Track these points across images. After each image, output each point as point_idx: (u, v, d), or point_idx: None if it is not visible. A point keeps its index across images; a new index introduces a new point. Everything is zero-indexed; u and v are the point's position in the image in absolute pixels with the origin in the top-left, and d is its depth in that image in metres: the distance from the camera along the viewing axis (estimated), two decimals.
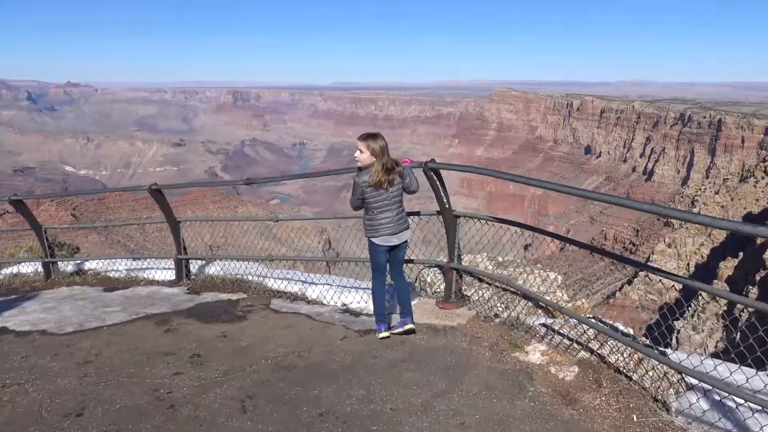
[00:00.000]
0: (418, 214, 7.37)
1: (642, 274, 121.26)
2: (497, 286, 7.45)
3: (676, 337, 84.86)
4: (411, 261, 7.64)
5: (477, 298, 7.33)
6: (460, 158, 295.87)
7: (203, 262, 10.11)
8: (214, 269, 9.90)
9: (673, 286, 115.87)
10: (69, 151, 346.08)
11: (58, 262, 10.81)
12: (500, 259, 9.57)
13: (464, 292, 7.43)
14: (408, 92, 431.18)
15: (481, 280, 7.54)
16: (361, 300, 7.88)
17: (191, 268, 9.86)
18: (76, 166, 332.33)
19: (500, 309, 7.09)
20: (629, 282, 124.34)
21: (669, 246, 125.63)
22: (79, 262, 11.28)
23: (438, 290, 7.79)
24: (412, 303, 7.36)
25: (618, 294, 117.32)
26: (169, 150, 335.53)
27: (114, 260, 10.95)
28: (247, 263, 9.62)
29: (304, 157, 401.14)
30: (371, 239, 6.33)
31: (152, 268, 10.32)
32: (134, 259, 10.76)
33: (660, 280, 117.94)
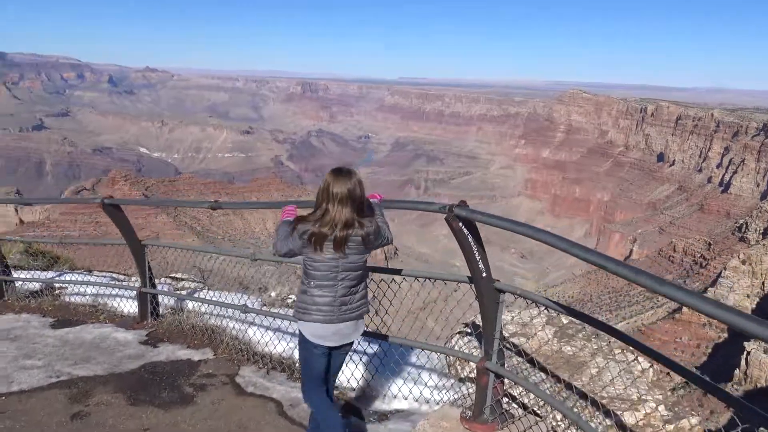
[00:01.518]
0: (440, 279, 4.92)
1: (712, 289, 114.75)
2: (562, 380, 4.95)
3: (746, 359, 79.75)
4: (414, 347, 5.15)
5: (528, 401, 4.86)
6: (526, 159, 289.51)
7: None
8: (190, 304, 7.73)
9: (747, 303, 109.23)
10: (145, 134, 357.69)
11: (15, 280, 8.83)
12: (564, 321, 7.05)
13: (509, 390, 4.95)
14: (476, 89, 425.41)
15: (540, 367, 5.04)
16: (363, 376, 5.57)
17: (164, 300, 7.73)
18: (151, 149, 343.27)
19: (564, 426, 4.63)
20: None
21: (743, 263, 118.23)
22: (45, 278, 9.33)
23: (472, 374, 5.40)
24: (427, 404, 4.98)
25: (684, 309, 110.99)
26: (238, 137, 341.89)
27: (83, 283, 8.84)
28: (234, 295, 7.45)
29: (368, 150, 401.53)
30: (300, 324, 4.13)
31: (123, 297, 8.25)
32: (103, 286, 8.58)
33: (730, 295, 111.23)
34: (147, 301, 7.37)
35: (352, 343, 4.29)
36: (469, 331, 6.03)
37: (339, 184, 3.92)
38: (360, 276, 4.11)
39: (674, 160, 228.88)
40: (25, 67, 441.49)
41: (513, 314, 6.61)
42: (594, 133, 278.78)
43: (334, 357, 4.26)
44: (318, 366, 4.18)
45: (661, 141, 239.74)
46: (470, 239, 4.09)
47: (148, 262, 7.27)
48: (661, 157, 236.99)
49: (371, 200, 4.27)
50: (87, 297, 8.48)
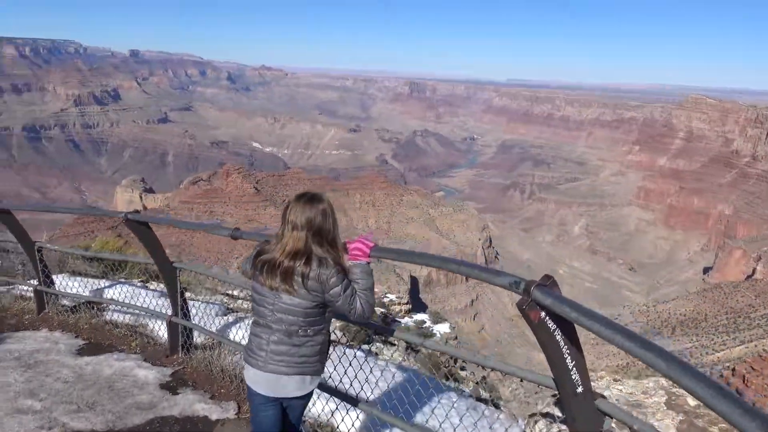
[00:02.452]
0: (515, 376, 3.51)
1: None
2: None
3: None
4: None
5: None
6: (639, 166, 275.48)
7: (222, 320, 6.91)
8: (230, 335, 6.64)
9: None
10: (258, 129, 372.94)
11: (55, 291, 8.13)
12: (692, 403, 5.33)
13: None
14: (588, 93, 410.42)
15: None
16: None
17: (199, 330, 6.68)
18: (263, 144, 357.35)
19: None
20: None
21: None
22: (96, 289, 8.61)
23: None
24: None
25: None
26: (345, 135, 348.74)
27: (117, 303, 7.97)
28: None
29: (473, 151, 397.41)
30: None
31: (163, 318, 7.31)
32: (134, 308, 7.67)
33: None
34: (178, 332, 6.36)
35: (304, 399, 3.56)
36: (557, 414, 4.53)
37: (297, 211, 3.39)
38: (304, 325, 3.39)
39: None
40: (154, 64, 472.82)
41: (620, 388, 5.03)
42: (717, 141, 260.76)
43: (288, 411, 3.61)
44: (260, 417, 3.55)
45: None
46: (559, 338, 2.70)
47: (181, 288, 6.25)
48: None
49: (350, 256, 3.52)
50: (128, 316, 7.66)
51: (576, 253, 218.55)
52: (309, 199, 3.40)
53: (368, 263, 3.49)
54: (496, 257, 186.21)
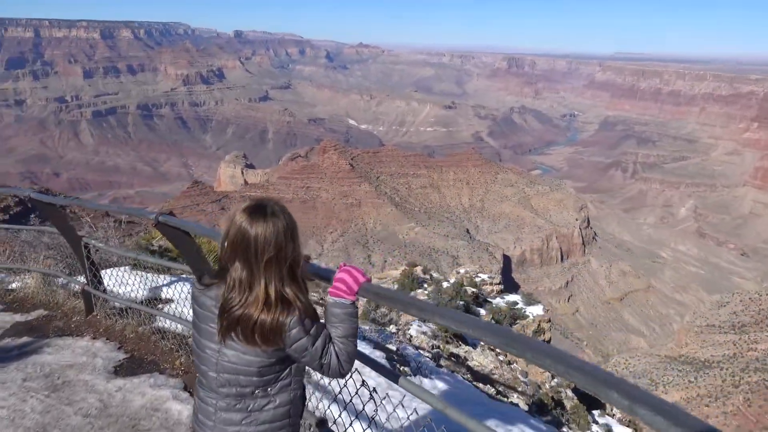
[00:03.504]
0: None
1: None
2: None
3: None
4: None
5: None
6: (757, 144, 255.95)
7: None
8: None
9: None
10: (354, 107, 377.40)
11: (102, 294, 7.37)
12: None
13: None
14: (702, 66, 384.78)
15: None
16: None
17: None
18: (358, 121, 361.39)
19: None
20: None
21: None
22: (154, 286, 7.83)
23: None
24: None
25: None
26: (440, 111, 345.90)
27: (159, 314, 7.11)
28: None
29: (572, 128, 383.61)
30: None
31: None
32: (177, 320, 6.82)
33: None
34: None
35: None
36: None
37: (252, 231, 2.38)
38: (262, 385, 2.47)
39: None
40: (257, 44, 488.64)
41: None
42: None
43: None
44: None
45: None
46: None
47: None
48: None
49: (340, 288, 2.49)
50: (178, 329, 6.75)
51: (681, 236, 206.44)
52: (263, 212, 2.39)
53: (353, 302, 2.44)
54: (594, 237, 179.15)
